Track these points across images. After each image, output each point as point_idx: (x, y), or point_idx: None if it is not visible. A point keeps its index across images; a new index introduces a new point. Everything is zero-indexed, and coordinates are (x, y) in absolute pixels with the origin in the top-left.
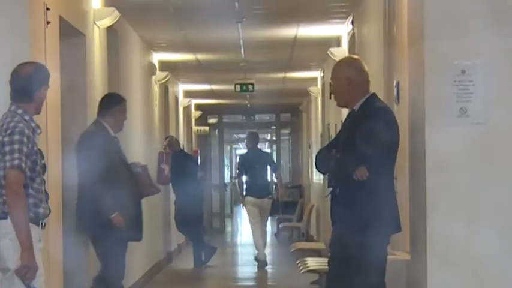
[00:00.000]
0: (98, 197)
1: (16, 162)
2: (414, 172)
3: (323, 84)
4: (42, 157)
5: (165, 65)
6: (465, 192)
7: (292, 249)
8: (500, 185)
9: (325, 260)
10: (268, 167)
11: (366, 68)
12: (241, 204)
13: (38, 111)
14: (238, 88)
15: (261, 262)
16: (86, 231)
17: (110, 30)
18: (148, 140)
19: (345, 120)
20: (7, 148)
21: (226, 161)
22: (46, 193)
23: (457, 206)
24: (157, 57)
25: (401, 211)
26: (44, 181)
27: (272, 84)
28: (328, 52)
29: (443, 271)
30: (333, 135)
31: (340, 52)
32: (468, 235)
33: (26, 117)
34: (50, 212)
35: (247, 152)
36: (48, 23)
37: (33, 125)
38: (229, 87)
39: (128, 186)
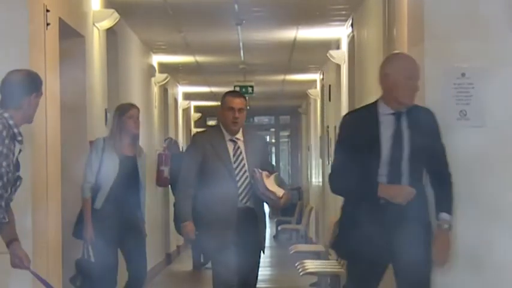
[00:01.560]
0: (178, 199)
1: None
2: None
3: (322, 87)
4: (18, 169)
5: (164, 67)
6: (465, 194)
7: (292, 251)
8: (500, 187)
9: (325, 262)
10: None
11: None
12: None
13: (28, 120)
14: (237, 90)
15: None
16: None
17: (110, 32)
18: (147, 142)
19: (397, 125)
20: None
21: None
22: (7, 204)
23: (457, 207)
24: (156, 59)
25: None
26: (11, 192)
27: (271, 87)
28: (327, 54)
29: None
30: (332, 137)
31: (340, 55)
32: (469, 236)
33: (11, 122)
34: (5, 220)
35: None
36: (48, 24)
37: (15, 130)
38: (229, 89)
39: (225, 188)
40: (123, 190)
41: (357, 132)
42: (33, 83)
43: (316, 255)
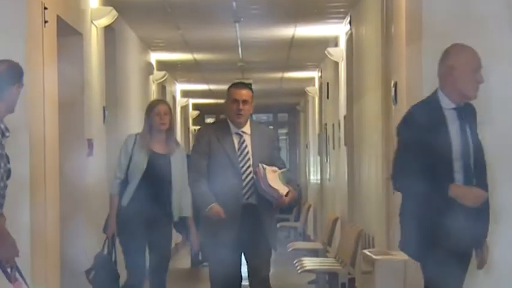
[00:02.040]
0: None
1: None
2: None
3: (320, 84)
4: (8, 161)
5: (162, 65)
6: None
7: (290, 249)
8: (504, 185)
9: (323, 259)
10: None
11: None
12: None
13: (10, 110)
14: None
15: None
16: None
17: (108, 29)
18: None
19: (460, 120)
20: None
21: None
22: (3, 196)
23: None
24: (154, 56)
25: None
26: (6, 186)
27: (270, 84)
28: (325, 52)
29: None
30: (330, 135)
31: (338, 52)
32: None
33: None
34: None
35: None
36: (45, 22)
37: (2, 126)
38: (227, 87)
39: (229, 183)
40: (151, 188)
41: (425, 128)
42: (15, 73)
43: (314, 253)
